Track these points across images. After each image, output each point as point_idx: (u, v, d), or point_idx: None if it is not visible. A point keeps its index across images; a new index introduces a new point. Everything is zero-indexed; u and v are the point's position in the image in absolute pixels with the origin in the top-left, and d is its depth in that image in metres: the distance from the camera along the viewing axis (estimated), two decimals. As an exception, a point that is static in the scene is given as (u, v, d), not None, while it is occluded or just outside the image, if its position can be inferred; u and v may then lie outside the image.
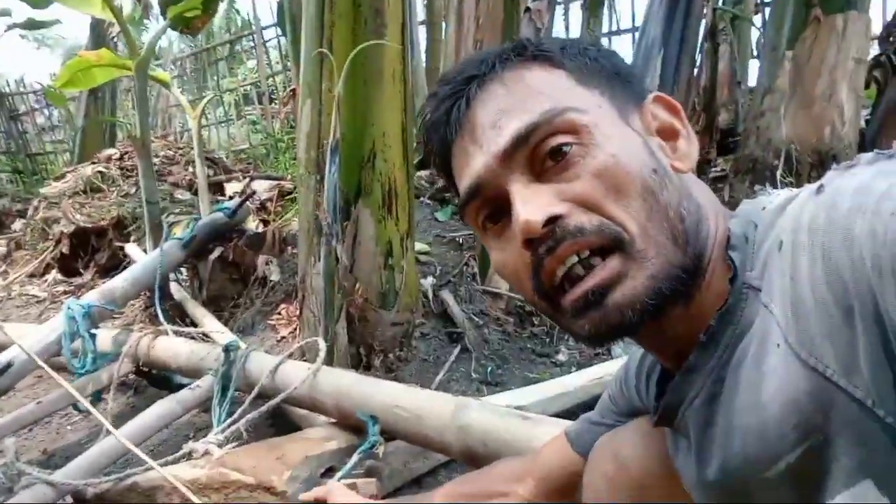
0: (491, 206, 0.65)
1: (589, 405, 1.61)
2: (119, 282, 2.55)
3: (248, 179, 4.25)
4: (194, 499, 1.54)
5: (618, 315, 0.57)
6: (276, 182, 4.11)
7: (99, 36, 6.09)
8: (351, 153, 2.29)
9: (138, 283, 2.63)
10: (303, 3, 2.41)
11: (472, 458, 1.48)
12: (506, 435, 1.41)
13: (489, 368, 2.28)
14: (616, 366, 2.12)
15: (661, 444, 0.75)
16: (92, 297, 2.42)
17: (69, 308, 2.29)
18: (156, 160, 4.37)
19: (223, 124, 8.47)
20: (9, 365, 2.04)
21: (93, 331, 2.32)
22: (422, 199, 3.65)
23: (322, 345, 1.94)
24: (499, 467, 1.10)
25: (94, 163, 4.55)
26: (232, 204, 3.20)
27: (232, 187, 4.23)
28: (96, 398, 2.31)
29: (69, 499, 1.81)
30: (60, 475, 1.76)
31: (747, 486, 0.56)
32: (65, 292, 3.51)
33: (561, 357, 2.35)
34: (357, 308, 2.27)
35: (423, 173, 3.89)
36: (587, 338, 0.62)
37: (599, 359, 2.27)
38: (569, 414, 1.75)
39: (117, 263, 3.55)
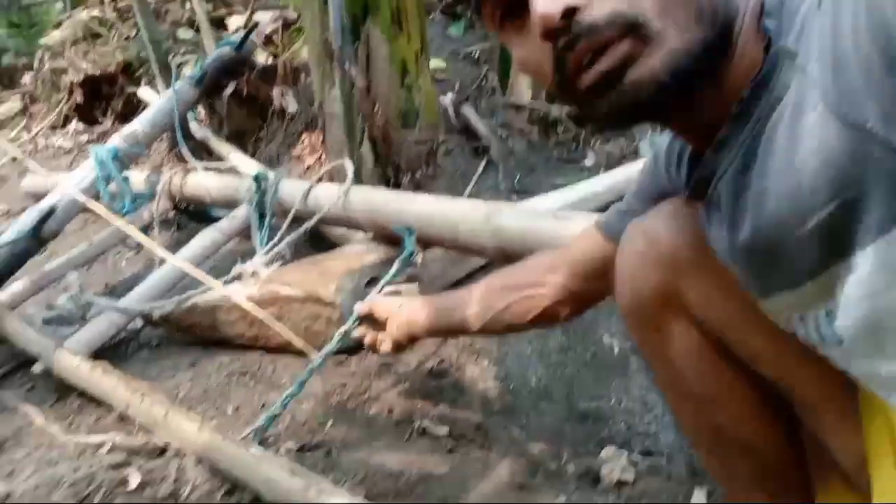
0: (508, 2, 0.63)
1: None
2: (138, 125, 2.54)
3: (249, 11, 4.05)
4: (253, 308, 1.66)
5: (635, 93, 0.57)
6: (279, 13, 3.93)
7: None
8: (353, -30, 2.16)
9: (157, 124, 2.61)
10: None
11: (508, 258, 1.54)
12: (539, 233, 1.45)
13: (516, 178, 2.31)
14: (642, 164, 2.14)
15: (692, 220, 0.77)
16: (116, 142, 2.43)
17: (96, 153, 2.31)
18: (150, -1, 4.15)
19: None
20: (52, 209, 2.11)
21: (125, 174, 2.36)
22: (432, 15, 3.49)
23: (349, 165, 1.97)
24: (532, 260, 1.13)
25: (87, 8, 4.35)
26: (237, 37, 3.08)
27: (234, 21, 4.04)
28: (144, 234, 2.41)
29: (139, 322, 1.98)
30: (127, 302, 1.90)
31: (778, 247, 0.58)
32: (88, 141, 3.53)
33: (588, 162, 2.36)
34: (379, 130, 2.27)
35: (432, -12, 3.67)
36: (607, 119, 0.62)
37: (627, 160, 2.28)
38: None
39: (133, 108, 3.52)
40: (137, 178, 2.50)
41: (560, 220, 1.46)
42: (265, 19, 3.91)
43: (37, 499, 1.11)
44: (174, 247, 2.34)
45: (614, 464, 1.21)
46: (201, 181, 2.41)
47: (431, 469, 1.28)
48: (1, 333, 1.86)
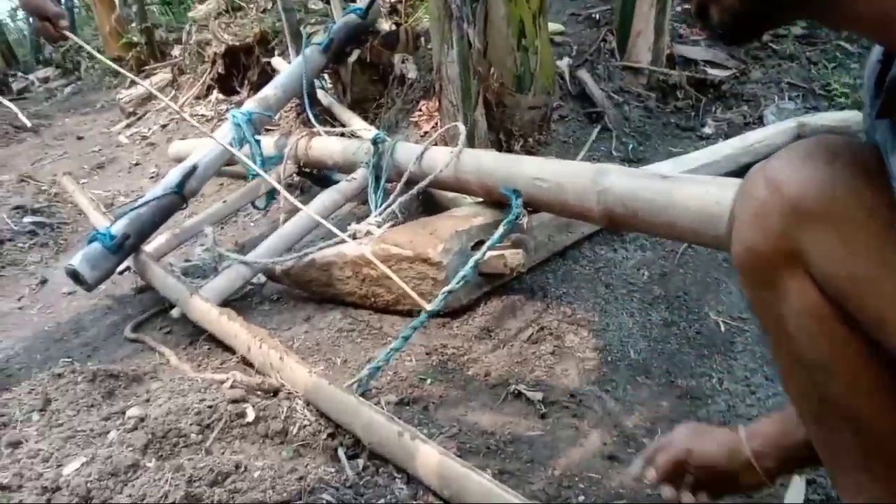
0: None
1: (737, 175, 1.55)
2: (270, 90, 2.71)
3: (375, -20, 4.14)
4: (384, 267, 1.74)
5: None
6: (403, -20, 3.98)
7: None
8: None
9: (287, 89, 2.77)
10: None
11: (613, 220, 1.50)
12: (645, 194, 1.40)
13: (630, 146, 2.23)
14: (767, 133, 1.98)
15: (836, 159, 0.68)
16: (250, 106, 2.61)
17: (234, 116, 2.49)
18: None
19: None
20: (194, 168, 2.31)
21: (257, 137, 2.53)
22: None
23: (462, 128, 1.99)
24: None
25: (230, -18, 4.63)
26: (363, 4, 3.18)
27: (361, -10, 4.16)
28: (270, 198, 2.59)
29: (262, 277, 2.13)
30: (253, 256, 2.05)
31: None
32: (227, 110, 3.81)
33: (707, 130, 2.23)
34: (493, 93, 2.27)
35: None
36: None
37: (749, 128, 2.12)
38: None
39: (268, 78, 3.73)
40: (267, 141, 2.67)
41: (668, 182, 1.40)
42: (391, -13, 3.98)
43: (168, 423, 1.24)
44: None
45: (711, 441, 1.16)
46: (325, 145, 2.52)
47: (522, 432, 1.30)
48: (146, 281, 2.08)
